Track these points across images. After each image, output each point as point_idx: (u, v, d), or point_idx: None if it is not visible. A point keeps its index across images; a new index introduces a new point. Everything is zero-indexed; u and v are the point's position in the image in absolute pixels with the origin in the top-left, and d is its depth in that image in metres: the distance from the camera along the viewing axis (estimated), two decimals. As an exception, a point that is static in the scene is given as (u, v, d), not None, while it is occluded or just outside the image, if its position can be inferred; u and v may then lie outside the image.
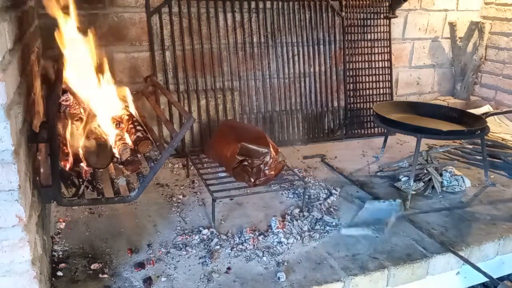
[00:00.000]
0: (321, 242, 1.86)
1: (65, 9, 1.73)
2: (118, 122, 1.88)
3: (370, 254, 1.79)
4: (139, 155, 1.69)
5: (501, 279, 1.87)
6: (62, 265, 1.64)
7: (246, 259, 1.73)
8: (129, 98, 1.98)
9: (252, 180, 2.04)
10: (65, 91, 1.88)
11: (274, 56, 2.93)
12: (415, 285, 1.81)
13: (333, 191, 2.29)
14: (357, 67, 3.19)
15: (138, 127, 1.79)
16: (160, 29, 2.63)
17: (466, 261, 1.81)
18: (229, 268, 1.67)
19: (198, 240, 1.83)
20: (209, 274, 1.62)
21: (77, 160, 1.61)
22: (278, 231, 1.89)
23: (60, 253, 1.71)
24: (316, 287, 1.60)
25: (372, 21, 3.19)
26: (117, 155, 1.70)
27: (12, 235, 1.17)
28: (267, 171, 2.05)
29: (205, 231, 1.88)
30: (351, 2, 3.09)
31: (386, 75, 3.29)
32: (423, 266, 1.78)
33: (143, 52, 2.64)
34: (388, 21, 3.23)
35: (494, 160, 2.71)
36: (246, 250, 1.78)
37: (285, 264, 1.71)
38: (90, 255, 1.71)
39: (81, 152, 1.60)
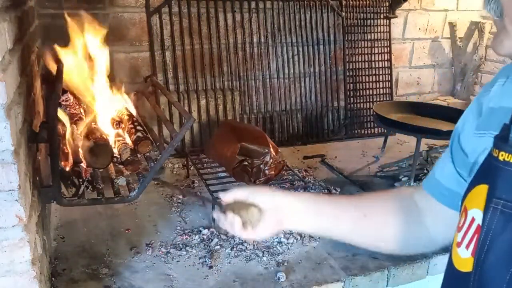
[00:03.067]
0: (321, 242, 1.86)
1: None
2: (118, 122, 1.88)
3: (370, 254, 1.79)
4: (139, 155, 1.69)
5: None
6: (62, 265, 1.64)
7: (246, 259, 1.73)
8: (129, 98, 1.97)
9: (252, 180, 2.04)
10: (65, 91, 1.88)
11: (274, 56, 2.93)
12: (415, 285, 1.81)
13: (333, 191, 2.29)
14: (357, 67, 3.19)
15: (138, 127, 1.79)
16: (160, 29, 2.63)
17: (466, 261, 1.81)
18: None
19: (198, 240, 1.83)
20: (209, 274, 1.63)
21: (77, 160, 1.61)
22: (278, 231, 1.89)
23: (60, 253, 1.71)
24: (316, 287, 1.60)
25: (372, 21, 3.18)
26: (117, 155, 1.70)
27: (12, 235, 1.17)
28: (267, 171, 2.05)
29: (205, 231, 1.88)
30: (351, 2, 3.08)
31: (386, 75, 3.29)
32: (423, 266, 1.78)
33: (143, 52, 2.63)
34: (388, 21, 3.23)
35: (494, 160, 2.70)
36: (246, 250, 1.78)
37: (285, 264, 1.71)
38: (90, 255, 1.71)
39: (81, 152, 1.60)
